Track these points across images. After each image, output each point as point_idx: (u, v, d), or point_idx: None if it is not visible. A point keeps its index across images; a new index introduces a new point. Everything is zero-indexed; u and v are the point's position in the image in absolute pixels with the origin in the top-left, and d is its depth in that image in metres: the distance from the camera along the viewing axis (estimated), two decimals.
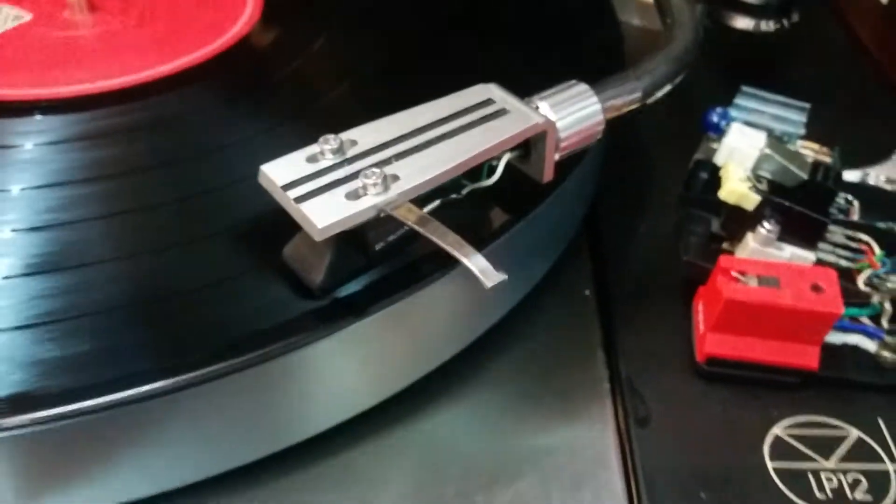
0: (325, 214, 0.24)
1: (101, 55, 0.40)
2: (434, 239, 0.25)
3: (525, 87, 0.30)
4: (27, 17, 0.42)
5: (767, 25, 0.45)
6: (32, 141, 0.34)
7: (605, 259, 0.38)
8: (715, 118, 0.40)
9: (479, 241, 0.26)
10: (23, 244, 0.29)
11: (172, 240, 0.30)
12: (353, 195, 0.25)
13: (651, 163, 0.43)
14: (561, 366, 0.32)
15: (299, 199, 0.25)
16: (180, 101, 0.37)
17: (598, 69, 0.32)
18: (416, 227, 0.26)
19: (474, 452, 0.29)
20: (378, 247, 0.27)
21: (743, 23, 0.45)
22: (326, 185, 0.25)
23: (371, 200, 0.25)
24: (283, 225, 0.26)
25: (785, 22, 0.46)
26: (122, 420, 0.25)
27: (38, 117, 0.36)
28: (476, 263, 0.24)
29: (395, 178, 0.26)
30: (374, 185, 0.25)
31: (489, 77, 0.30)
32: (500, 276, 0.24)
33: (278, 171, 0.26)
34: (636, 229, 0.39)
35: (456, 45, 0.41)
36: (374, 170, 0.25)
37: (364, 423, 0.29)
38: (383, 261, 0.27)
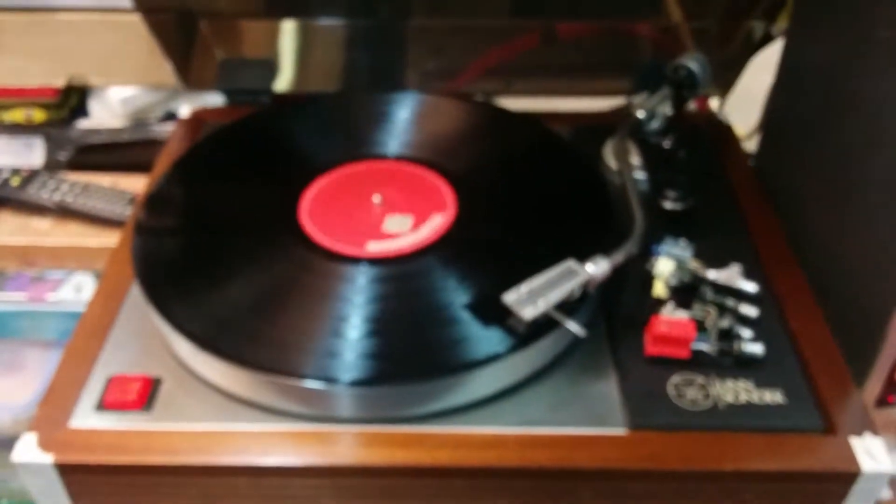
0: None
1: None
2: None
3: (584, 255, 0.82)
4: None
5: (677, 205, 0.99)
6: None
7: (611, 313, 0.90)
8: (654, 251, 0.92)
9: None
10: None
11: None
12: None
13: (628, 273, 0.95)
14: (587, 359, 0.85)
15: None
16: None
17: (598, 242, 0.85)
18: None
19: None
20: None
21: (669, 204, 0.99)
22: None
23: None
24: None
25: (691, 201, 0.99)
26: None
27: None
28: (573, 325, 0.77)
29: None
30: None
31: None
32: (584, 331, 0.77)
33: None
34: (622, 305, 0.92)
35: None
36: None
37: None
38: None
